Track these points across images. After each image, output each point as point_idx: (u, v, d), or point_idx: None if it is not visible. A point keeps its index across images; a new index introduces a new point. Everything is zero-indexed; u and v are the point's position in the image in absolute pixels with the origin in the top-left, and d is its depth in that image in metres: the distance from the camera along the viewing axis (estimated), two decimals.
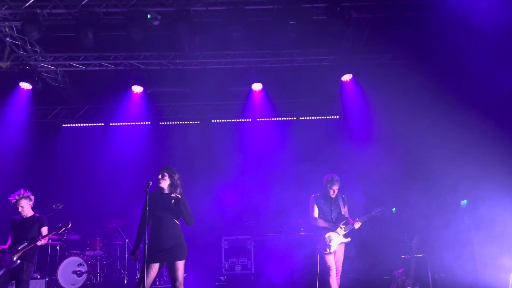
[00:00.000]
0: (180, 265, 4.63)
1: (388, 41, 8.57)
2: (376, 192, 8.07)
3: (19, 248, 5.65)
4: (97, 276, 8.11)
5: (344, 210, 5.94)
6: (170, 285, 4.69)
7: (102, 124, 10.92)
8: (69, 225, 5.96)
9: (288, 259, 8.33)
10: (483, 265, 6.23)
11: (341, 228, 5.76)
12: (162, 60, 8.77)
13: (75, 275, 7.86)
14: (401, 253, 6.87)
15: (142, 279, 4.46)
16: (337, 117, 10.98)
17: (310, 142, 10.11)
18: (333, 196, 5.90)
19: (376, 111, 9.36)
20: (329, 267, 5.67)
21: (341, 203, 5.93)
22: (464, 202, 7.30)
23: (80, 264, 7.92)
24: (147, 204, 4.61)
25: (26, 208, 5.92)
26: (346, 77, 9.22)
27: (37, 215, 6.02)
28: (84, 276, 7.86)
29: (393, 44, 8.66)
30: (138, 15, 6.97)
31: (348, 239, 5.82)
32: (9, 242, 5.85)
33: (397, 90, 8.50)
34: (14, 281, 5.72)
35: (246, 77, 9.35)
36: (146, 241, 4.47)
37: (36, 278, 7.33)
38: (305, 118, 11.04)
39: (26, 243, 5.70)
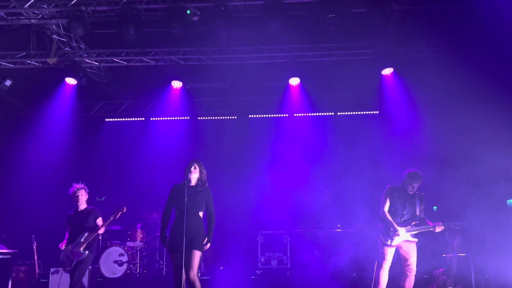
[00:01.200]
0: (197, 254, 4.71)
1: (431, 33, 8.27)
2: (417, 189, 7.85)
3: (82, 240, 5.87)
4: (137, 266, 8.34)
5: (420, 209, 5.65)
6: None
7: (143, 118, 11.20)
8: (125, 210, 6.06)
9: (325, 255, 8.26)
10: None
11: (411, 227, 5.54)
12: (201, 56, 8.87)
13: (116, 265, 8.11)
14: (442, 252, 6.66)
15: (176, 272, 4.59)
16: (377, 112, 10.75)
17: (349, 137, 9.96)
18: (411, 193, 5.64)
19: (417, 106, 9.09)
20: (384, 258, 5.54)
21: (417, 202, 5.64)
22: (510, 201, 6.99)
23: (121, 254, 8.15)
24: (177, 195, 4.85)
25: (82, 200, 6.15)
26: (387, 71, 9.01)
27: (91, 207, 6.24)
28: (125, 266, 8.10)
29: (436, 37, 8.36)
30: (178, 11, 7.08)
31: (416, 240, 5.57)
32: (67, 237, 6.09)
33: (439, 84, 8.24)
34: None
35: (284, 71, 9.32)
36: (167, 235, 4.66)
37: None
38: (344, 113, 10.88)
39: (86, 234, 5.91)
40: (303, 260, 8.32)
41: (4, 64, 8.76)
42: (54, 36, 8.27)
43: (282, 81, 9.73)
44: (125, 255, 8.16)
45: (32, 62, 8.77)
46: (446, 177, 7.98)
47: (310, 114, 10.82)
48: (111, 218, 5.97)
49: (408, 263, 5.58)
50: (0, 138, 8.96)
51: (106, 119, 11.28)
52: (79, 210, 6.14)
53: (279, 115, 10.97)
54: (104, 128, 11.23)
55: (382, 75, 9.12)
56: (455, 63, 7.82)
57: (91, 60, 9.10)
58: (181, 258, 4.59)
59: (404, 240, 5.55)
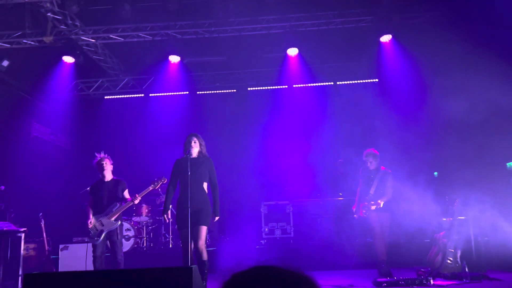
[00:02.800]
0: (204, 229, 4.83)
1: None
2: (418, 156, 7.91)
3: (114, 210, 5.67)
4: (143, 240, 8.51)
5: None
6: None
7: (142, 95, 11.19)
8: (165, 180, 5.59)
9: (327, 223, 8.41)
10: None
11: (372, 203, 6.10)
12: (197, 29, 8.78)
13: (123, 239, 8.25)
14: (443, 216, 6.77)
15: (184, 246, 4.71)
16: (376, 80, 10.71)
17: (349, 106, 9.97)
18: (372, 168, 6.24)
19: (417, 72, 9.05)
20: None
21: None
22: (510, 164, 7.05)
23: (128, 229, 8.31)
24: (180, 168, 4.93)
25: (108, 169, 5.93)
26: (385, 38, 8.91)
27: (117, 178, 6.04)
28: (132, 240, 8.26)
29: (434, 2, 8.26)
30: None
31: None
32: (92, 207, 5.85)
33: (439, 49, 8.17)
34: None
35: (282, 42, 9.23)
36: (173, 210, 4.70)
37: (85, 242, 7.77)
38: (343, 82, 10.84)
39: (118, 205, 5.72)
40: (306, 228, 8.49)
41: (1, 44, 8.70)
42: (49, 14, 8.18)
43: (280, 52, 9.66)
44: (132, 229, 8.32)
45: (29, 42, 8.71)
46: (447, 142, 8.04)
47: (309, 85, 10.78)
48: (150, 188, 5.65)
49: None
50: (1, 119, 8.99)
51: (105, 97, 11.28)
52: (106, 180, 5.93)
53: (278, 87, 10.94)
54: (103, 105, 11.24)
55: (380, 43, 9.04)
56: (454, 27, 7.74)
57: (88, 37, 9.03)
58: (188, 234, 4.72)
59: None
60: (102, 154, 6.07)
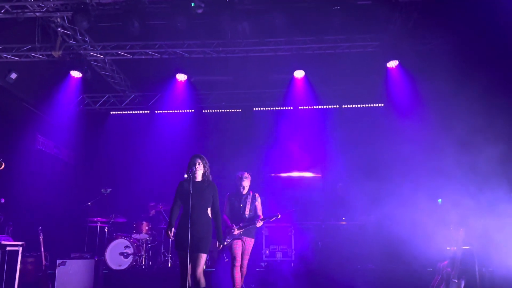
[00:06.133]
0: (203, 257, 4.74)
1: (437, 25, 8.21)
2: (423, 181, 7.84)
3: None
4: (142, 258, 8.40)
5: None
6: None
7: (148, 111, 11.24)
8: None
9: (329, 248, 8.29)
10: None
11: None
12: (205, 48, 8.85)
13: (122, 257, 8.19)
14: (446, 245, 6.66)
15: (182, 269, 4.64)
16: (382, 105, 10.72)
17: (354, 130, 9.95)
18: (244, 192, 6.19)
19: (423, 99, 9.04)
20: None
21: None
22: None
23: (127, 246, 8.22)
24: (183, 191, 4.82)
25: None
26: (392, 64, 8.94)
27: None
28: (130, 257, 8.17)
29: (442, 29, 8.29)
30: (182, 3, 7.07)
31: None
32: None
33: (446, 76, 8.16)
34: None
35: (288, 64, 9.29)
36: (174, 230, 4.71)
37: (86, 258, 7.69)
38: (349, 106, 10.85)
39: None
40: (308, 252, 8.36)
41: (10, 57, 8.79)
42: (59, 29, 8.29)
43: (287, 74, 9.71)
44: (131, 247, 8.23)
45: (37, 55, 8.80)
46: (450, 168, 7.96)
47: (314, 107, 10.80)
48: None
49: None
50: (6, 131, 9.01)
51: (112, 112, 11.33)
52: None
53: (284, 108, 10.95)
54: (109, 121, 11.28)
55: (387, 68, 9.07)
56: (462, 55, 7.75)
57: (96, 53, 9.12)
58: (187, 256, 4.60)
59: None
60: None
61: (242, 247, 5.99)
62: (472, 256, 6.16)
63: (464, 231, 6.10)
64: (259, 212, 6.21)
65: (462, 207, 6.54)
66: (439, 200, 8.57)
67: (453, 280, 5.88)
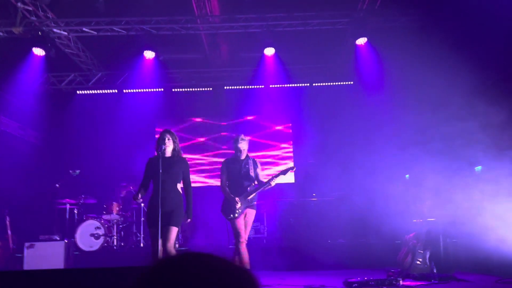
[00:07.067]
0: (174, 230, 4.71)
1: (406, 2, 8.29)
2: (392, 155, 8.01)
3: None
4: (113, 239, 8.33)
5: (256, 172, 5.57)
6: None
7: (116, 91, 10.96)
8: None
9: (300, 224, 8.43)
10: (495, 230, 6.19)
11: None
12: (173, 25, 8.65)
13: (92, 238, 8.09)
14: (413, 218, 6.87)
15: (153, 245, 4.61)
16: (351, 83, 10.82)
17: (324, 108, 10.03)
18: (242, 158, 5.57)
19: (392, 76, 9.17)
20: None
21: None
22: (478, 168, 7.21)
23: (97, 227, 8.12)
24: (152, 167, 4.77)
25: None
26: (361, 41, 8.99)
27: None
28: (102, 238, 8.08)
29: (411, 6, 8.39)
30: None
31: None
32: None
33: (414, 54, 8.28)
34: None
35: (259, 41, 9.21)
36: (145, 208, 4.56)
37: (56, 240, 7.55)
38: (319, 84, 10.90)
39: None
40: (280, 229, 8.48)
41: None
42: (19, 4, 7.91)
43: (258, 52, 9.63)
44: (102, 228, 8.13)
45: None
46: (418, 146, 8.16)
47: (285, 85, 10.79)
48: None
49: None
50: None
51: (78, 92, 11.00)
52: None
53: (255, 87, 10.91)
54: (76, 100, 10.95)
55: (356, 45, 9.11)
56: (429, 33, 7.86)
57: (60, 30, 8.77)
58: (157, 232, 4.59)
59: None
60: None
61: (245, 220, 5.47)
62: (436, 228, 6.38)
63: (430, 203, 6.31)
64: (262, 179, 5.49)
65: (429, 180, 6.74)
66: (407, 176, 8.80)
67: (418, 251, 6.10)
